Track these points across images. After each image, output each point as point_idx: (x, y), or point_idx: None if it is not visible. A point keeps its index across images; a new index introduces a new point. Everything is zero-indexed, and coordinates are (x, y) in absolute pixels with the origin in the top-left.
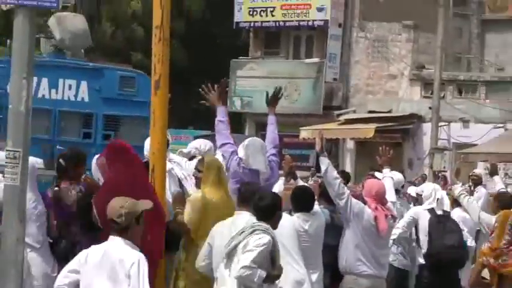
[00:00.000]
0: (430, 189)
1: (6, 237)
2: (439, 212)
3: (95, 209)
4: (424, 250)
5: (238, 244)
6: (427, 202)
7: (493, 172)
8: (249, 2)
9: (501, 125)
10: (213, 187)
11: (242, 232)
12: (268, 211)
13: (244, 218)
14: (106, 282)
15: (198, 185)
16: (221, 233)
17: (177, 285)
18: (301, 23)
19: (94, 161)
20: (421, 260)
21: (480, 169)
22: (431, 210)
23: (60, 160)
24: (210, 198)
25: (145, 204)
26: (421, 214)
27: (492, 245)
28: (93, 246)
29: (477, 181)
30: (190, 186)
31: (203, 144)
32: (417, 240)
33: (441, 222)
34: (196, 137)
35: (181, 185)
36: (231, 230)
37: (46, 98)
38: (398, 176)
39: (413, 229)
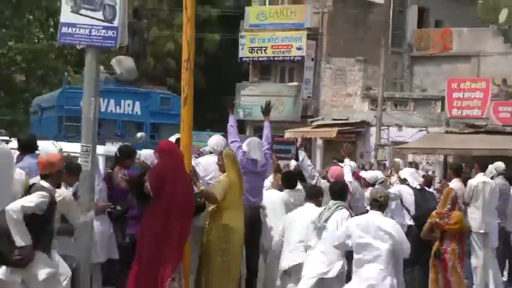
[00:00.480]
0: (408, 172)
1: (82, 207)
2: (418, 187)
3: (148, 183)
4: (412, 213)
5: (328, 218)
6: (410, 181)
7: (416, 166)
8: (249, 43)
9: (424, 129)
10: (233, 172)
11: (329, 208)
12: (341, 192)
13: (312, 207)
14: (372, 240)
15: (222, 170)
16: (293, 218)
17: (203, 242)
18: (285, 58)
19: (143, 152)
20: (409, 222)
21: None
22: (411, 187)
23: (116, 152)
24: (232, 179)
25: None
26: (404, 190)
27: (438, 211)
28: (356, 217)
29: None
30: (201, 171)
31: (219, 145)
32: (405, 207)
33: (423, 193)
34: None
35: (194, 171)
36: (304, 215)
37: (113, 112)
38: (354, 163)
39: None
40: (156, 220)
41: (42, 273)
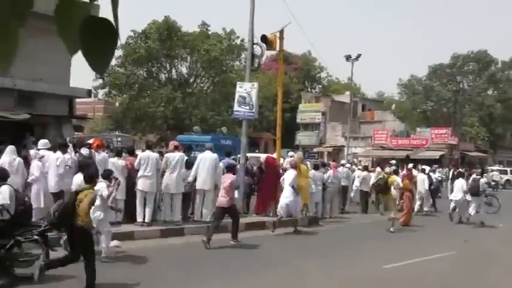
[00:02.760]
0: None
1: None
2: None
3: (265, 167)
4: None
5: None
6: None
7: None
8: (300, 117)
9: (364, 148)
10: (301, 163)
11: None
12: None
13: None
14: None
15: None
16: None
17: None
18: (314, 122)
19: (261, 156)
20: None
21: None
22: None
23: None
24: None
25: None
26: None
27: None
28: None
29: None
30: (284, 163)
31: (290, 155)
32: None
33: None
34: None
35: (281, 163)
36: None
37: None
38: (334, 162)
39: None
40: (267, 178)
41: None
